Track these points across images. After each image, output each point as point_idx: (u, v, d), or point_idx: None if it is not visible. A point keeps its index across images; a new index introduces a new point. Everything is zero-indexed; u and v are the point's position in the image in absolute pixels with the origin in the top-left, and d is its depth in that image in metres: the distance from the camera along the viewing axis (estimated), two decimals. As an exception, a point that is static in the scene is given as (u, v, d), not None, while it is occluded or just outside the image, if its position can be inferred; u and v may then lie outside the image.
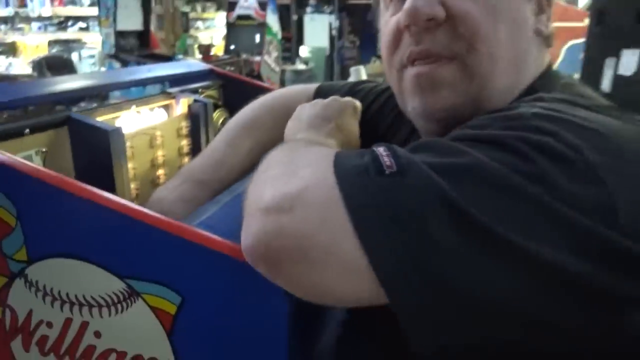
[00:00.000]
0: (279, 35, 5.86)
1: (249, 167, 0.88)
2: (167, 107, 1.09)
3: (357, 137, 0.75)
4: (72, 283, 0.60)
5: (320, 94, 0.94)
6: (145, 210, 0.56)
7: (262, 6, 5.66)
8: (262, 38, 5.55)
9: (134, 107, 0.97)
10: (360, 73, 3.98)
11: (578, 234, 0.41)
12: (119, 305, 0.59)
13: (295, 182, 0.47)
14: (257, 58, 5.35)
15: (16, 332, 0.66)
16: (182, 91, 1.10)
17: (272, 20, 5.70)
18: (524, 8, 0.60)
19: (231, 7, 5.70)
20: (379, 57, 6.72)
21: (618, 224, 0.41)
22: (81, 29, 6.08)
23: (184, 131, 1.06)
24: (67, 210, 0.59)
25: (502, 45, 0.58)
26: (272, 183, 0.49)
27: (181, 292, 0.56)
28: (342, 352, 0.66)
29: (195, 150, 1.08)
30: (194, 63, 1.30)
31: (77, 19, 6.04)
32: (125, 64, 4.42)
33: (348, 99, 0.80)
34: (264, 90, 1.27)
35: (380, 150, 0.47)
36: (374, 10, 0.72)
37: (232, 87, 1.29)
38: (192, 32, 6.96)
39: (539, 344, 0.45)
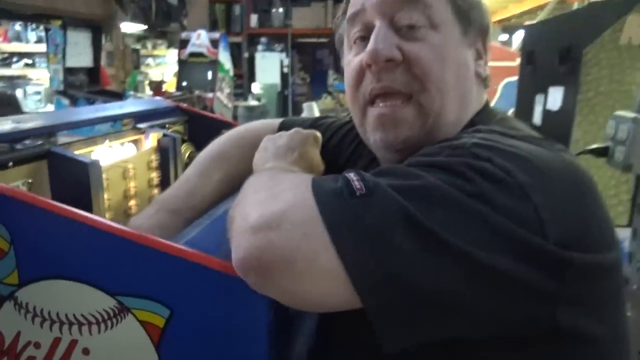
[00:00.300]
0: (231, 73, 5.97)
1: (219, 197, 0.95)
2: (136, 142, 1.15)
3: (319, 165, 0.83)
4: (63, 303, 0.64)
5: (284, 127, 1.02)
6: (136, 230, 0.62)
7: (214, 44, 5.77)
8: (214, 75, 5.64)
9: (107, 141, 1.03)
10: (312, 108, 4.14)
11: (512, 240, 0.50)
12: (109, 322, 0.63)
13: (280, 203, 0.54)
14: (210, 94, 5.42)
15: (2, 355, 0.68)
16: (152, 126, 1.16)
17: (224, 57, 5.82)
18: (465, 54, 0.71)
19: (183, 44, 5.77)
20: (329, 93, 6.95)
21: (544, 233, 0.50)
22: (27, 65, 5.96)
23: (154, 164, 1.11)
24: (60, 233, 0.63)
25: (450, 86, 0.68)
26: (258, 205, 0.55)
27: (170, 306, 0.61)
28: (315, 358, 0.72)
29: (164, 182, 1.13)
30: (160, 100, 1.36)
31: (22, 55, 5.93)
32: (74, 100, 4.37)
33: (309, 130, 0.88)
34: (227, 125, 1.35)
35: (351, 175, 0.55)
36: (338, 49, 0.82)
37: (197, 122, 1.36)
38: (142, 68, 6.96)
39: (486, 336, 0.53)
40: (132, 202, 1.04)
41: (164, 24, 6.00)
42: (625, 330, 0.60)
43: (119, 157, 1.04)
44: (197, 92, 5.18)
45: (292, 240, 0.51)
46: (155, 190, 1.12)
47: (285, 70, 7.00)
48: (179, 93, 5.51)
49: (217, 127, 1.37)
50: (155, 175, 1.12)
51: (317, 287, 0.51)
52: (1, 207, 0.64)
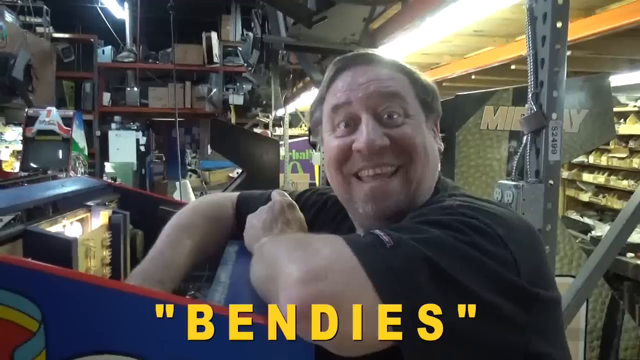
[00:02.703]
0: (86, 151, 5.67)
1: (191, 268, 0.98)
2: (82, 220, 1.11)
3: (305, 224, 0.91)
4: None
5: (242, 201, 1.10)
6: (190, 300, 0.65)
7: (66, 121, 5.46)
8: (67, 154, 5.29)
9: (64, 220, 1.00)
10: (186, 186, 4.14)
11: (500, 280, 0.65)
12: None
13: (322, 258, 0.63)
14: (63, 174, 5.05)
15: None
16: (98, 204, 1.14)
17: (79, 136, 5.52)
18: (430, 133, 0.88)
19: (30, 121, 5.36)
20: (194, 172, 6.91)
21: (519, 273, 0.66)
22: None
23: (107, 242, 1.09)
24: (102, 306, 0.63)
25: (429, 157, 0.83)
26: (300, 262, 0.63)
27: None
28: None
29: (115, 260, 1.11)
30: (91, 179, 1.33)
31: None
32: None
33: (282, 198, 0.96)
34: (159, 200, 1.37)
35: (378, 232, 0.67)
36: (313, 129, 0.94)
37: (129, 198, 1.35)
38: (-27, 147, 6.24)
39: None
40: (91, 282, 1.00)
41: (6, 99, 5.52)
42: (569, 352, 0.78)
43: (74, 235, 1.01)
44: (50, 172, 4.79)
45: (339, 287, 0.60)
46: (107, 269, 1.09)
47: (142, 149, 6.82)
48: (25, 174, 5.04)
49: (150, 203, 1.38)
50: (107, 254, 1.09)
51: (364, 325, 0.60)
52: (33, 284, 0.63)
